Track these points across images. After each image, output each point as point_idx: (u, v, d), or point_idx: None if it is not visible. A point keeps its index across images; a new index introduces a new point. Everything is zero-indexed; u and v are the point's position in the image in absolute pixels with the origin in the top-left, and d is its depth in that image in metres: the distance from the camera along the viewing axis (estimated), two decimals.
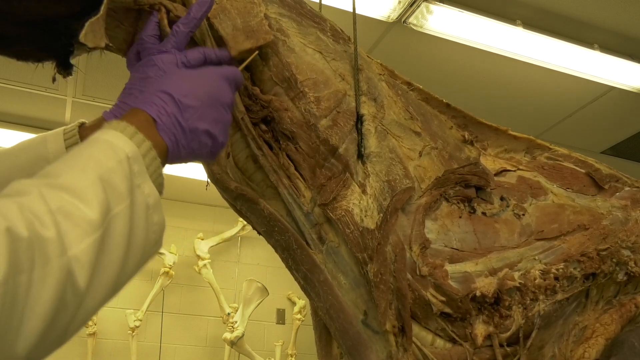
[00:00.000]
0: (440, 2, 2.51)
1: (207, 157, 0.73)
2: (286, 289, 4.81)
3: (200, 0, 0.82)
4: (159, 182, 0.65)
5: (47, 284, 0.49)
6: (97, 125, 0.79)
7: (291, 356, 4.48)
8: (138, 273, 0.62)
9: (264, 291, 4.27)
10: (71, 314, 0.52)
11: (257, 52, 0.85)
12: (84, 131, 0.79)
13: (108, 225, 0.55)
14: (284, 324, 4.82)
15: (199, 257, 4.34)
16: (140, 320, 4.08)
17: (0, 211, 0.49)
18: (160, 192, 0.65)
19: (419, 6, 2.51)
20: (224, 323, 4.27)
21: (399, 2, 2.52)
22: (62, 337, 0.53)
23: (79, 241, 0.52)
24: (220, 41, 0.84)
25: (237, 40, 0.82)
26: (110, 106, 0.79)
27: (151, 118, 0.66)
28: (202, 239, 4.40)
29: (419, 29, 2.64)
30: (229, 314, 4.26)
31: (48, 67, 0.81)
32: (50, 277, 0.49)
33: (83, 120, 0.82)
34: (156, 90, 0.69)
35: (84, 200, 0.54)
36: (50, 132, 0.81)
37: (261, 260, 4.78)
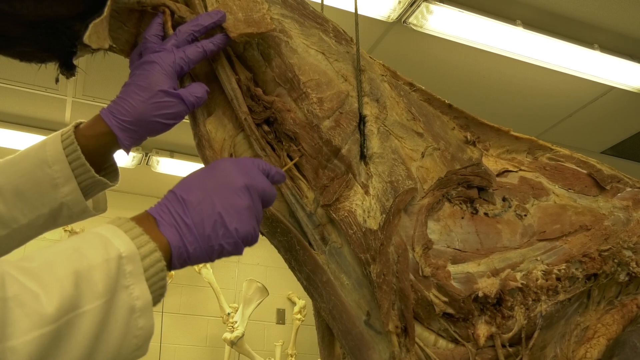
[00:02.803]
0: (440, 2, 2.51)
1: (229, 251, 0.67)
2: (286, 289, 4.81)
3: (212, 11, 0.82)
4: (160, 285, 0.62)
5: None
6: (93, 123, 0.79)
7: (291, 356, 4.48)
8: None
9: (264, 291, 4.27)
10: None
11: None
12: (80, 131, 0.79)
13: (69, 322, 0.52)
14: (284, 324, 4.82)
15: None
16: None
17: None
18: (160, 296, 0.62)
19: (419, 6, 2.51)
20: (224, 323, 4.27)
21: (399, 2, 2.52)
22: None
23: (23, 333, 0.49)
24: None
25: (238, 27, 0.82)
26: None
27: (154, 219, 0.64)
28: None
29: (419, 29, 2.65)
30: (229, 314, 4.26)
31: (49, 67, 0.81)
32: None
33: (80, 120, 0.82)
34: (168, 192, 0.68)
35: (47, 292, 0.52)
36: (49, 136, 0.81)
37: (261, 260, 4.78)
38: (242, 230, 0.67)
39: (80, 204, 0.79)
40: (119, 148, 0.80)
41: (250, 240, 0.69)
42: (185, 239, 0.64)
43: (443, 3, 2.52)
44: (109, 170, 0.84)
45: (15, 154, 0.81)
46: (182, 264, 0.66)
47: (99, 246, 0.58)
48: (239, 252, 0.69)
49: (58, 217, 0.80)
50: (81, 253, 0.57)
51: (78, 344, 0.53)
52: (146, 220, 0.64)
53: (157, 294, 0.62)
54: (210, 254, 0.66)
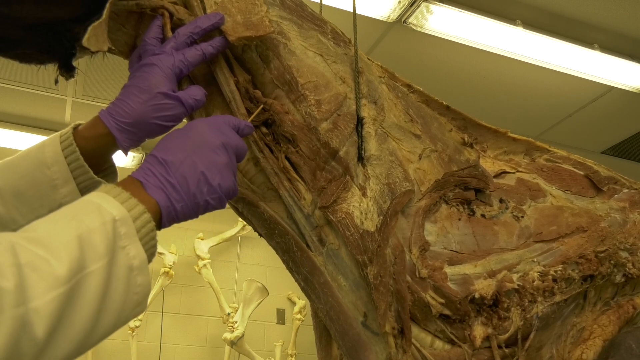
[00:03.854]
0: (440, 2, 2.51)
1: (214, 205, 0.72)
2: (286, 289, 4.82)
3: (210, 14, 0.82)
4: (151, 244, 0.65)
5: None
6: (92, 125, 0.79)
7: (291, 356, 4.49)
8: (115, 331, 0.63)
9: (264, 291, 4.28)
10: None
11: (261, 106, 0.86)
12: (79, 132, 0.79)
13: (79, 282, 0.56)
14: (284, 324, 4.83)
15: (199, 257, 4.35)
16: (140, 320, 4.09)
17: None
18: (152, 255, 0.66)
19: (419, 6, 2.51)
20: (224, 323, 4.28)
21: (399, 2, 2.52)
22: None
23: (41, 294, 0.53)
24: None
25: (237, 30, 0.83)
26: None
27: (140, 182, 0.67)
28: (202, 239, 4.41)
29: (419, 29, 2.65)
30: (229, 314, 4.27)
31: (49, 68, 0.81)
32: (2, 327, 0.50)
33: (79, 122, 0.83)
34: (147, 155, 0.71)
35: (55, 255, 0.55)
36: (48, 138, 0.81)
37: (261, 260, 4.79)
38: (225, 185, 0.72)
39: None
40: (117, 149, 0.80)
41: (232, 194, 0.74)
42: (172, 197, 0.68)
43: (443, 3, 2.52)
44: (108, 172, 0.84)
45: (14, 155, 0.81)
46: (171, 222, 0.69)
47: (94, 211, 0.61)
48: (222, 205, 0.74)
49: None
50: (79, 219, 0.60)
51: (88, 302, 0.57)
52: (132, 185, 0.67)
53: (150, 252, 0.65)
54: (196, 210, 0.71)
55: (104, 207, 0.62)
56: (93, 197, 0.63)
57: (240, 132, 0.77)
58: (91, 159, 0.79)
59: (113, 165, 0.86)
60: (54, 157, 0.78)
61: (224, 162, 0.72)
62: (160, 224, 0.68)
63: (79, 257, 0.57)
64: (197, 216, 0.72)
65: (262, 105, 0.87)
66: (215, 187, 0.71)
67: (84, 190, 0.80)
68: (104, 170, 0.84)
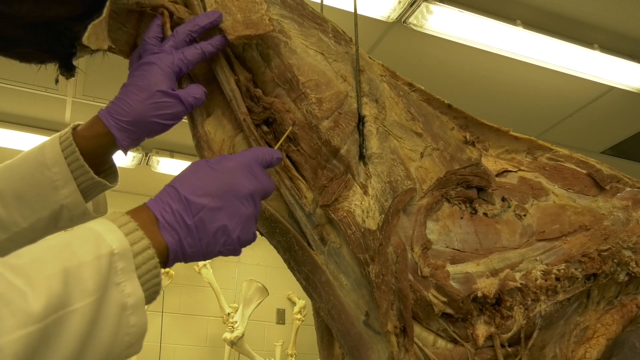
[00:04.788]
0: (440, 2, 2.51)
1: (226, 254, 0.68)
2: (286, 289, 4.81)
3: (209, 12, 0.82)
4: (153, 282, 0.61)
5: None
6: (91, 124, 0.79)
7: (291, 356, 4.48)
8: None
9: (264, 291, 4.28)
10: None
11: (290, 128, 0.84)
12: (78, 132, 0.79)
13: (58, 320, 0.52)
14: (284, 324, 4.82)
15: None
16: None
17: None
18: (154, 293, 0.61)
19: (419, 6, 2.51)
20: (224, 323, 4.27)
21: (399, 2, 2.52)
22: None
23: (8, 332, 0.49)
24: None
25: (236, 28, 0.83)
26: None
27: (155, 217, 0.63)
28: None
29: (419, 29, 2.65)
30: (229, 314, 4.26)
31: (49, 68, 0.81)
32: None
33: (78, 122, 0.82)
34: (168, 185, 0.67)
35: (34, 289, 0.51)
36: (48, 139, 0.81)
37: (261, 260, 4.79)
38: (244, 237, 0.68)
39: (80, 206, 0.79)
40: (117, 149, 0.80)
41: (249, 243, 0.70)
42: (185, 241, 0.64)
43: (443, 3, 2.52)
44: (108, 172, 0.84)
45: (15, 158, 0.81)
46: (176, 262, 0.66)
47: (90, 242, 0.57)
48: (236, 254, 0.70)
49: (59, 219, 0.79)
50: (71, 249, 0.56)
51: (67, 343, 0.52)
52: (145, 216, 0.63)
53: (151, 291, 0.61)
54: (206, 257, 0.67)
55: (104, 237, 0.58)
56: (95, 224, 0.59)
57: (271, 165, 0.74)
58: (91, 159, 0.79)
59: (113, 165, 0.85)
60: (54, 158, 0.78)
61: (250, 213, 0.68)
62: (165, 264, 0.64)
63: (60, 293, 0.52)
64: (204, 260, 0.68)
65: (289, 129, 0.84)
66: (234, 239, 0.67)
67: (84, 190, 0.80)
68: (105, 171, 0.83)
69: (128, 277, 0.58)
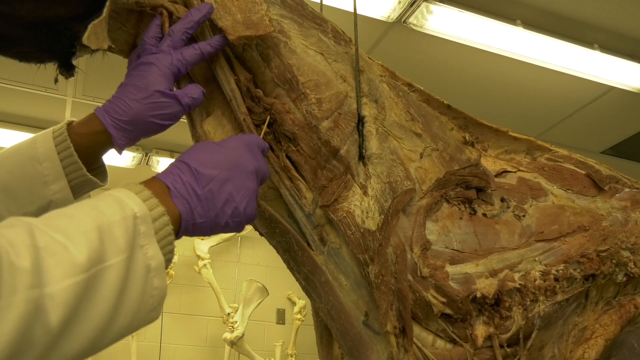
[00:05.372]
0: (440, 2, 2.51)
1: (232, 227, 0.71)
2: (286, 289, 4.81)
3: (200, 5, 0.82)
4: (169, 249, 0.63)
5: (11, 315, 0.46)
6: (87, 122, 0.78)
7: (291, 356, 4.48)
8: (128, 335, 0.59)
9: (264, 291, 4.28)
10: (39, 354, 0.49)
11: (269, 114, 0.86)
12: (73, 129, 0.78)
13: (97, 273, 0.53)
14: (284, 324, 4.82)
15: (199, 257, 4.35)
16: None
17: None
18: (169, 260, 0.63)
19: (419, 6, 2.51)
20: (224, 323, 4.28)
21: (399, 2, 2.52)
22: None
23: (58, 280, 0.50)
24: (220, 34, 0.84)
25: (237, 29, 0.83)
26: None
27: (166, 187, 0.65)
28: (202, 239, 4.41)
29: (419, 29, 2.65)
30: (229, 314, 4.26)
31: (49, 67, 0.81)
32: (15, 308, 0.47)
33: (72, 119, 0.82)
34: (177, 160, 0.69)
35: (75, 243, 0.52)
36: (39, 133, 0.80)
37: (261, 260, 4.79)
38: (249, 211, 0.71)
39: (68, 203, 0.78)
40: (111, 147, 0.80)
41: (252, 220, 0.73)
42: (196, 211, 0.66)
43: (443, 3, 2.52)
44: (99, 171, 0.83)
45: (3, 150, 0.80)
46: (185, 234, 0.68)
47: (115, 205, 0.59)
48: (240, 229, 0.73)
49: None
50: (100, 210, 0.57)
51: (106, 297, 0.54)
52: (157, 186, 0.65)
53: (167, 258, 0.62)
54: (213, 229, 0.69)
55: (125, 202, 0.59)
56: (114, 191, 0.61)
57: (264, 152, 0.77)
58: (83, 157, 0.78)
59: (103, 164, 0.85)
60: (46, 153, 0.77)
61: (253, 188, 0.72)
62: (177, 234, 0.65)
63: (98, 248, 0.54)
64: (210, 235, 0.70)
65: (267, 118, 0.86)
66: (240, 211, 0.69)
67: (75, 187, 0.79)
68: (94, 169, 0.82)
69: (149, 241, 0.59)
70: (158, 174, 0.68)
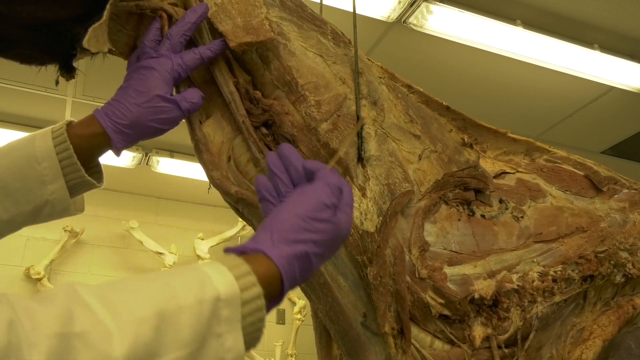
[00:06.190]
0: (440, 2, 2.51)
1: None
2: None
3: (195, 6, 0.82)
4: (255, 336, 0.54)
5: None
6: (86, 123, 0.78)
7: (291, 356, 4.49)
8: None
9: None
10: None
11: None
12: (72, 130, 0.79)
13: None
14: (284, 324, 4.82)
15: (199, 257, 4.35)
16: None
17: None
18: (253, 345, 0.55)
19: (419, 6, 2.51)
20: None
21: (399, 2, 2.52)
22: None
23: None
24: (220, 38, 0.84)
25: (237, 34, 0.83)
26: None
27: (278, 272, 0.56)
28: (202, 239, 4.41)
29: (419, 29, 2.64)
30: None
31: (49, 68, 0.81)
32: None
33: (71, 119, 0.82)
34: (288, 235, 0.58)
35: (121, 331, 0.44)
36: (38, 131, 0.80)
37: None
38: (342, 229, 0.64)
39: (64, 202, 0.79)
40: (109, 149, 0.80)
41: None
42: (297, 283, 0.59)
43: (443, 3, 2.52)
44: (94, 171, 0.83)
45: (0, 147, 0.79)
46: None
47: (195, 283, 0.50)
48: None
49: (39, 214, 0.78)
50: (171, 289, 0.49)
51: None
52: (264, 265, 0.56)
53: (250, 344, 0.54)
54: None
55: (211, 279, 0.50)
56: (208, 265, 0.53)
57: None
58: (81, 158, 0.78)
59: (99, 165, 0.85)
60: (45, 153, 0.77)
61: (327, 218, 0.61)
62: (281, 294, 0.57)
63: (149, 341, 0.45)
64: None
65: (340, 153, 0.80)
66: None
67: (72, 188, 0.79)
68: (91, 170, 0.83)
69: (231, 328, 0.51)
70: (267, 251, 0.56)
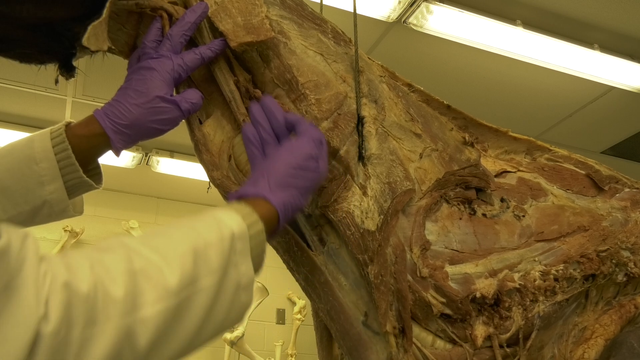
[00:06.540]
0: (440, 2, 2.51)
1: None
2: (286, 289, 4.81)
3: (195, 5, 0.82)
4: (258, 261, 0.67)
5: (104, 342, 0.49)
6: (86, 124, 0.78)
7: (291, 356, 4.48)
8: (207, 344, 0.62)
9: (264, 291, 4.27)
10: None
11: None
12: (71, 130, 0.78)
13: (189, 296, 0.56)
14: (284, 324, 4.82)
15: None
16: None
17: (69, 264, 0.51)
18: (258, 270, 0.67)
19: (419, 6, 2.51)
20: None
21: (399, 2, 2.52)
22: None
23: (151, 304, 0.52)
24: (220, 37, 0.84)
25: (238, 34, 0.83)
26: None
27: (276, 212, 0.71)
28: None
29: (419, 29, 2.64)
30: None
31: (49, 68, 0.81)
32: (107, 335, 0.49)
33: (70, 120, 0.82)
34: (282, 181, 0.73)
35: (170, 265, 0.55)
36: (36, 132, 0.80)
37: None
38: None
39: (62, 203, 0.79)
40: (108, 150, 0.80)
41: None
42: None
43: (443, 3, 2.52)
44: (94, 172, 0.83)
45: None
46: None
47: (213, 225, 0.62)
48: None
49: (37, 215, 0.79)
50: (197, 231, 0.61)
51: (194, 318, 0.56)
52: (265, 208, 0.70)
53: (257, 269, 0.66)
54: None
55: (224, 221, 0.63)
56: (217, 211, 0.65)
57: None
58: (80, 158, 0.78)
59: (99, 166, 0.85)
60: (44, 153, 0.77)
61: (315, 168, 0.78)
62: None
63: (191, 271, 0.56)
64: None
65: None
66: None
67: (70, 188, 0.79)
68: (90, 171, 0.82)
69: (244, 259, 0.63)
70: (267, 196, 0.71)
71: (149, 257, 0.55)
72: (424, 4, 2.50)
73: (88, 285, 0.49)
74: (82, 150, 0.78)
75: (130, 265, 0.53)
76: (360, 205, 0.87)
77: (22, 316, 0.45)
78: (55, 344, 0.46)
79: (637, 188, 1.21)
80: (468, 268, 0.93)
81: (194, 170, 3.89)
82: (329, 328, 0.90)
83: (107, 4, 0.75)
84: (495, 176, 1.09)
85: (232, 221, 0.63)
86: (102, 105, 0.80)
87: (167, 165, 3.96)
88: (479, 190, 1.04)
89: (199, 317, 0.57)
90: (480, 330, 0.92)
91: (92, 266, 0.51)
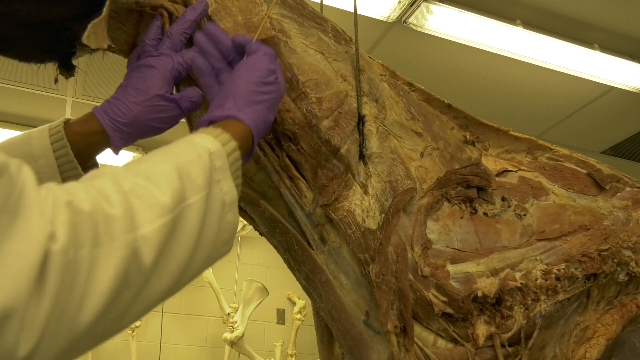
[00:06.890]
0: (440, 2, 2.51)
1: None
2: (286, 289, 4.81)
3: (195, 4, 0.82)
4: (238, 182, 0.66)
5: (112, 261, 0.49)
6: (85, 121, 0.78)
7: (291, 356, 4.48)
8: (205, 270, 0.63)
9: (264, 291, 4.27)
10: (134, 293, 0.52)
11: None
12: (69, 127, 0.78)
13: (181, 212, 0.56)
14: (284, 324, 4.82)
15: None
16: (140, 320, 4.08)
17: (66, 188, 0.50)
18: (237, 189, 0.66)
19: (419, 6, 2.51)
20: (224, 323, 4.27)
21: (399, 2, 2.52)
22: (122, 318, 0.52)
23: (149, 222, 0.53)
24: None
25: (238, 32, 0.83)
26: None
27: (249, 130, 0.70)
28: None
29: (419, 29, 2.64)
30: (229, 314, 4.26)
31: (49, 67, 0.81)
32: (114, 255, 0.50)
33: (68, 117, 0.82)
34: (249, 99, 0.72)
35: (157, 185, 0.55)
36: (34, 129, 0.80)
37: (261, 260, 4.78)
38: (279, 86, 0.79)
39: None
40: (106, 148, 0.80)
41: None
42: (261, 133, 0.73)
43: (443, 3, 2.51)
44: (92, 169, 0.83)
45: None
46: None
47: (188, 145, 0.62)
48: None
49: None
50: (174, 152, 0.61)
51: (188, 234, 0.57)
52: (235, 127, 0.69)
53: (238, 189, 0.66)
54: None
55: (198, 141, 0.63)
56: (187, 136, 0.65)
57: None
58: (79, 155, 0.78)
59: (97, 163, 0.84)
60: (42, 150, 0.77)
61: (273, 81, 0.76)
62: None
63: (179, 188, 0.57)
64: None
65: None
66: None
67: None
68: (88, 168, 0.82)
69: (225, 176, 0.63)
70: (237, 115, 0.70)
71: (135, 180, 0.55)
72: (424, 4, 2.50)
73: (89, 205, 0.49)
74: (80, 147, 0.78)
75: (120, 187, 0.53)
76: (361, 204, 0.87)
77: (31, 233, 0.45)
78: (65, 263, 0.46)
79: (638, 187, 1.20)
80: (469, 267, 0.93)
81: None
82: (330, 327, 0.90)
83: (107, 3, 0.75)
84: (497, 175, 1.09)
85: (206, 141, 0.63)
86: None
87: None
88: (480, 189, 1.04)
89: (193, 234, 0.57)
90: (481, 330, 0.92)
91: (86, 189, 0.51)
